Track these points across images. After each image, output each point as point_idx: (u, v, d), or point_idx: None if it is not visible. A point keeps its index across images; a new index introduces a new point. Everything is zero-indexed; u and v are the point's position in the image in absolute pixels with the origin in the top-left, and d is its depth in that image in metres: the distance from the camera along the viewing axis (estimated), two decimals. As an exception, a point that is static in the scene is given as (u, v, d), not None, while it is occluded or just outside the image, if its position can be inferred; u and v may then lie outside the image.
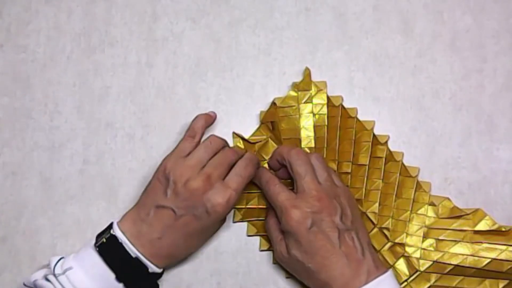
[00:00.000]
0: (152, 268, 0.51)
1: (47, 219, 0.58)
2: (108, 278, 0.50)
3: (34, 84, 0.60)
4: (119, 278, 0.50)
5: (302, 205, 0.50)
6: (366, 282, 0.48)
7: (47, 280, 0.50)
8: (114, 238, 0.51)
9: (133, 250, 0.50)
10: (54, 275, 0.49)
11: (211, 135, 0.55)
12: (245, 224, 0.57)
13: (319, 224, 0.50)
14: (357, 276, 0.48)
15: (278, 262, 0.56)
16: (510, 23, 0.60)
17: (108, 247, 0.50)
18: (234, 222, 0.57)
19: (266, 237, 0.56)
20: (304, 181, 0.52)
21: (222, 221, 0.55)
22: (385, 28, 0.61)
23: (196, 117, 0.56)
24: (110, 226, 0.52)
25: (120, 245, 0.50)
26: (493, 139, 0.58)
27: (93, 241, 0.51)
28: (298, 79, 0.60)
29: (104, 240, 0.51)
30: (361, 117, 0.58)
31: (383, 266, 0.50)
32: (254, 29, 0.61)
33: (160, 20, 0.61)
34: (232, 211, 0.57)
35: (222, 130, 0.59)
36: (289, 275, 0.55)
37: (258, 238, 0.57)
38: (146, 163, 0.58)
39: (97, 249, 0.50)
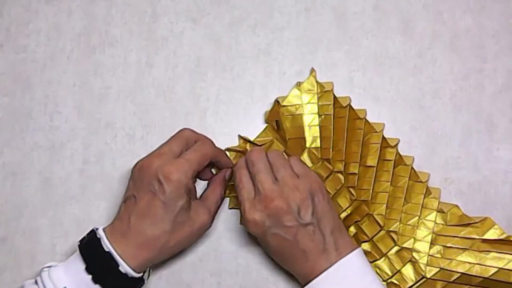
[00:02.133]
0: (124, 266, 0.49)
1: (47, 219, 0.58)
2: (80, 270, 0.49)
3: (34, 84, 0.60)
4: (88, 270, 0.49)
5: (258, 207, 0.50)
6: (328, 268, 0.49)
7: (35, 283, 0.50)
8: (93, 233, 0.51)
9: (106, 244, 0.50)
10: (41, 271, 0.50)
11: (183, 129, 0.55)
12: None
13: (276, 225, 0.50)
14: (318, 266, 0.50)
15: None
16: (510, 23, 0.60)
17: (87, 242, 0.51)
18: (240, 224, 0.57)
19: None
20: (257, 180, 0.51)
21: (179, 197, 0.51)
22: (385, 28, 0.61)
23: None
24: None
25: (97, 240, 0.50)
26: (493, 139, 0.58)
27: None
28: (298, 79, 0.60)
29: (86, 236, 0.52)
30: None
31: (347, 249, 0.50)
32: (254, 29, 0.61)
33: (160, 20, 0.61)
34: (238, 213, 0.57)
35: (222, 130, 0.59)
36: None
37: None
38: (146, 163, 0.58)
39: (79, 243, 0.51)
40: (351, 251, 0.50)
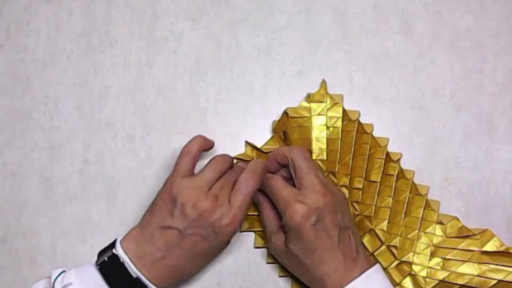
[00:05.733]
0: None
1: (47, 219, 0.58)
2: None
3: (34, 84, 0.60)
4: None
5: (307, 200, 0.50)
6: (358, 276, 0.49)
7: None
8: (115, 257, 0.50)
9: (134, 270, 0.49)
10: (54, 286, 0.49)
11: (216, 155, 0.55)
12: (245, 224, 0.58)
13: (323, 221, 0.50)
14: (350, 273, 0.49)
15: (272, 262, 0.56)
16: (510, 23, 0.60)
17: (109, 266, 0.50)
18: (241, 231, 0.57)
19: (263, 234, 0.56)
20: (309, 176, 0.51)
21: (227, 242, 0.54)
22: (385, 28, 0.61)
23: (193, 138, 0.55)
24: (113, 244, 0.51)
25: (122, 264, 0.49)
26: (493, 139, 0.59)
27: (95, 259, 0.51)
28: (298, 79, 0.60)
29: (106, 258, 0.50)
30: (361, 117, 0.58)
31: (371, 261, 0.52)
32: (254, 29, 0.61)
33: (160, 20, 0.61)
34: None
35: (222, 130, 0.59)
36: (283, 274, 0.56)
37: (254, 235, 0.57)
38: (146, 163, 0.58)
39: (98, 267, 0.50)
40: (374, 263, 0.51)
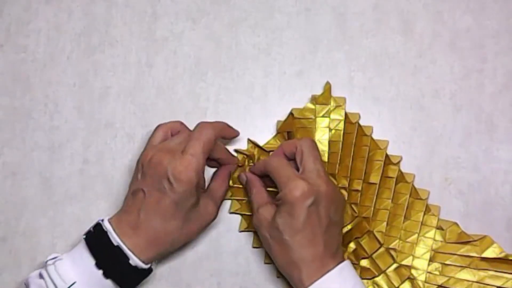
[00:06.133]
0: (134, 260, 0.50)
1: (47, 219, 0.58)
2: (90, 266, 0.49)
3: (34, 84, 0.60)
4: (98, 265, 0.49)
5: (310, 180, 0.51)
6: (332, 269, 0.50)
7: (40, 276, 0.50)
8: (99, 226, 0.51)
9: (115, 238, 0.50)
10: (46, 265, 0.50)
11: (177, 121, 0.56)
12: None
13: (318, 206, 0.50)
14: (326, 266, 0.50)
15: (270, 262, 0.56)
16: (510, 23, 0.60)
17: (94, 235, 0.51)
18: (240, 231, 0.57)
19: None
20: (315, 164, 0.52)
21: (190, 193, 0.51)
22: (385, 28, 0.61)
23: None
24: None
25: (104, 233, 0.50)
26: (493, 139, 0.59)
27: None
28: (298, 79, 0.60)
29: (92, 229, 0.52)
30: (360, 117, 0.58)
31: (343, 258, 0.52)
32: (254, 29, 0.61)
33: (160, 20, 0.61)
34: (239, 218, 0.57)
35: (222, 130, 0.59)
36: (280, 275, 0.56)
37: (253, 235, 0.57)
38: (146, 163, 0.58)
39: (84, 237, 0.51)
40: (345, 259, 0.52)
